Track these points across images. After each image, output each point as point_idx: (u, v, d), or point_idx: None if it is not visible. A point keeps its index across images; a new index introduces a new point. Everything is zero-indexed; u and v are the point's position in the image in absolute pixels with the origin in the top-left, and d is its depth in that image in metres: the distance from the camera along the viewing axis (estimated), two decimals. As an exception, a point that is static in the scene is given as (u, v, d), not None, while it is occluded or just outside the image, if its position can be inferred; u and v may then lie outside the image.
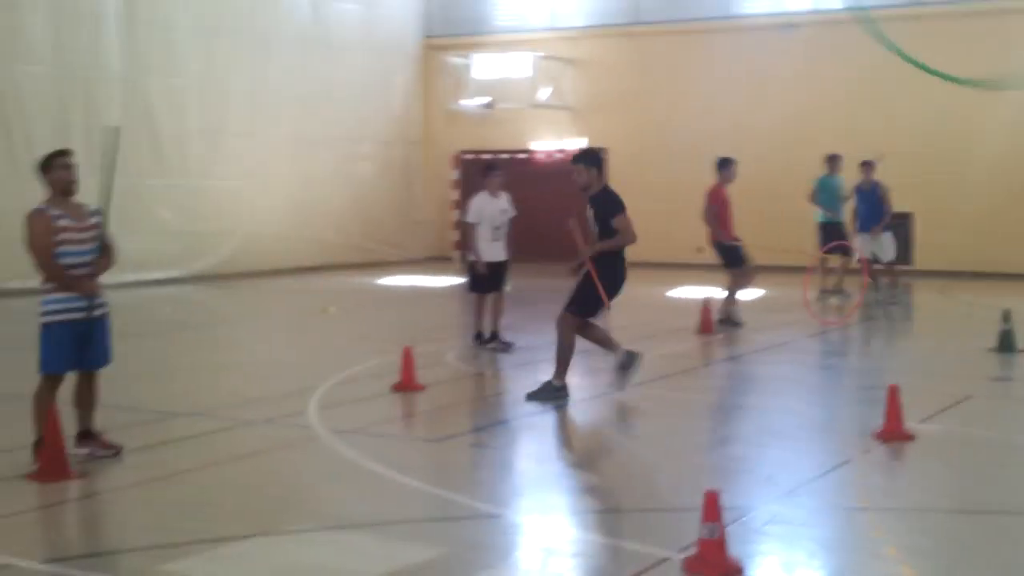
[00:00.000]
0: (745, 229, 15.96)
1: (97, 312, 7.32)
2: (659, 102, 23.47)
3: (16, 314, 15.47)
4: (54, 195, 7.18)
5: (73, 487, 6.82)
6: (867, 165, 16.94)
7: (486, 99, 24.61)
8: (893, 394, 8.08)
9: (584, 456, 8.07)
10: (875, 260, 16.87)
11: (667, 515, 6.31)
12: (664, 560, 5.51)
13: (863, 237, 16.90)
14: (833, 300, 16.82)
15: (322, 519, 6.19)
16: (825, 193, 17.25)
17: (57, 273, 7.12)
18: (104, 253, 7.31)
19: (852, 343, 13.79)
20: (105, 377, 10.82)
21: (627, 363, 9.59)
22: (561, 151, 24.58)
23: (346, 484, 6.96)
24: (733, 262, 14.22)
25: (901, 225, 20.59)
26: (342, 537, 5.89)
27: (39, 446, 7.01)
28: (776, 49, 22.13)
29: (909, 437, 8.02)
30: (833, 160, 17.37)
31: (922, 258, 21.06)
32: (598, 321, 9.76)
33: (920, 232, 21.13)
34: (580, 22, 24.50)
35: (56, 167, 7.17)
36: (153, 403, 9.49)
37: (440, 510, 6.50)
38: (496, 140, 24.61)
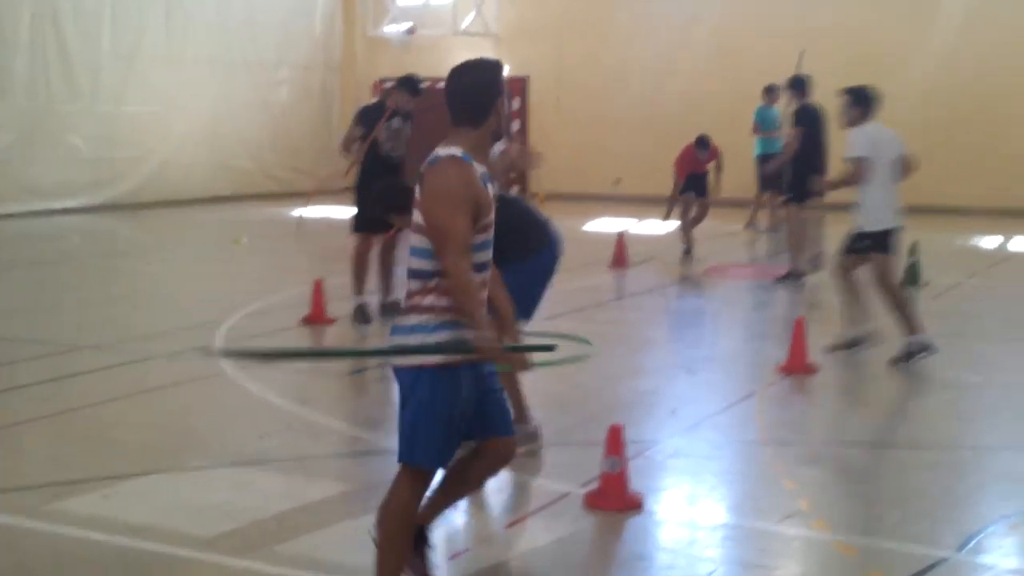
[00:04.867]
0: (668, 163, 15.94)
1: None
2: (583, 31, 23.25)
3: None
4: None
5: (-32, 423, 6.67)
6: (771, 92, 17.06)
7: (408, 25, 24.21)
8: (799, 327, 8.19)
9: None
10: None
11: (574, 450, 6.34)
12: (566, 495, 5.55)
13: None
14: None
15: (223, 456, 6.12)
16: (763, 125, 17.28)
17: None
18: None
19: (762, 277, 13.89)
20: (12, 309, 10.72)
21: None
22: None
23: (250, 420, 6.88)
24: None
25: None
26: (242, 474, 5.83)
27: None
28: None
29: (812, 370, 8.15)
30: (769, 91, 17.27)
31: (839, 191, 21.23)
32: None
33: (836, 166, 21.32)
34: (504, -54, 24.16)
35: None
36: (59, 335, 9.30)
37: (345, 446, 6.46)
38: (418, 67, 24.15)
